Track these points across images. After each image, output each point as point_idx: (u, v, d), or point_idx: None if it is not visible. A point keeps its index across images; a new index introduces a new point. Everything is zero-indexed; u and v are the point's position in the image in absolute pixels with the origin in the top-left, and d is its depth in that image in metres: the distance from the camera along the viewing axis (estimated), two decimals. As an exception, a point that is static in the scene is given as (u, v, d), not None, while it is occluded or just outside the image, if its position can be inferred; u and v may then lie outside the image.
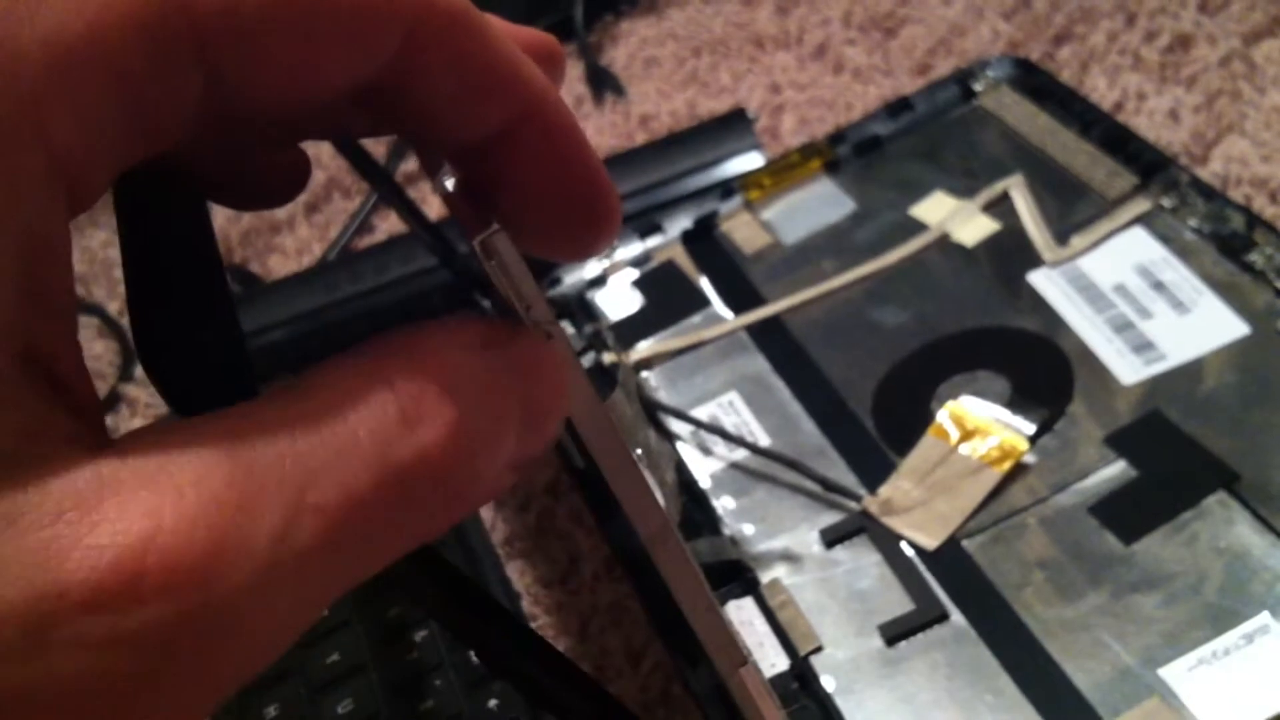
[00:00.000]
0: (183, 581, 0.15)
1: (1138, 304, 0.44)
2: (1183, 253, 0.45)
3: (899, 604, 0.39)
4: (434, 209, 0.59)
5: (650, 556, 0.23)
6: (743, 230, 0.53)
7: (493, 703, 0.40)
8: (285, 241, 0.64)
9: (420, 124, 0.21)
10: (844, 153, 0.54)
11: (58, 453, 0.15)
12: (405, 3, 0.19)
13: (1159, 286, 0.45)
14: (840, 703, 0.37)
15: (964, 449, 0.42)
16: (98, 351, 0.61)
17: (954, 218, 0.50)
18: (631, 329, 0.50)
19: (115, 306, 0.63)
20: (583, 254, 0.23)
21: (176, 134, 0.18)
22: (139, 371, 0.60)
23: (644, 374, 0.48)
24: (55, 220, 0.16)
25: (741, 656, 0.26)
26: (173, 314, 0.20)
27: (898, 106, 0.55)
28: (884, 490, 0.41)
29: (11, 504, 0.15)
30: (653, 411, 0.46)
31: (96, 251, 0.67)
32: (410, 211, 0.46)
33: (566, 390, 0.21)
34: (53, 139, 0.16)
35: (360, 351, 0.19)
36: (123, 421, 0.58)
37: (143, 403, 0.58)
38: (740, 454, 0.44)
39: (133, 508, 0.15)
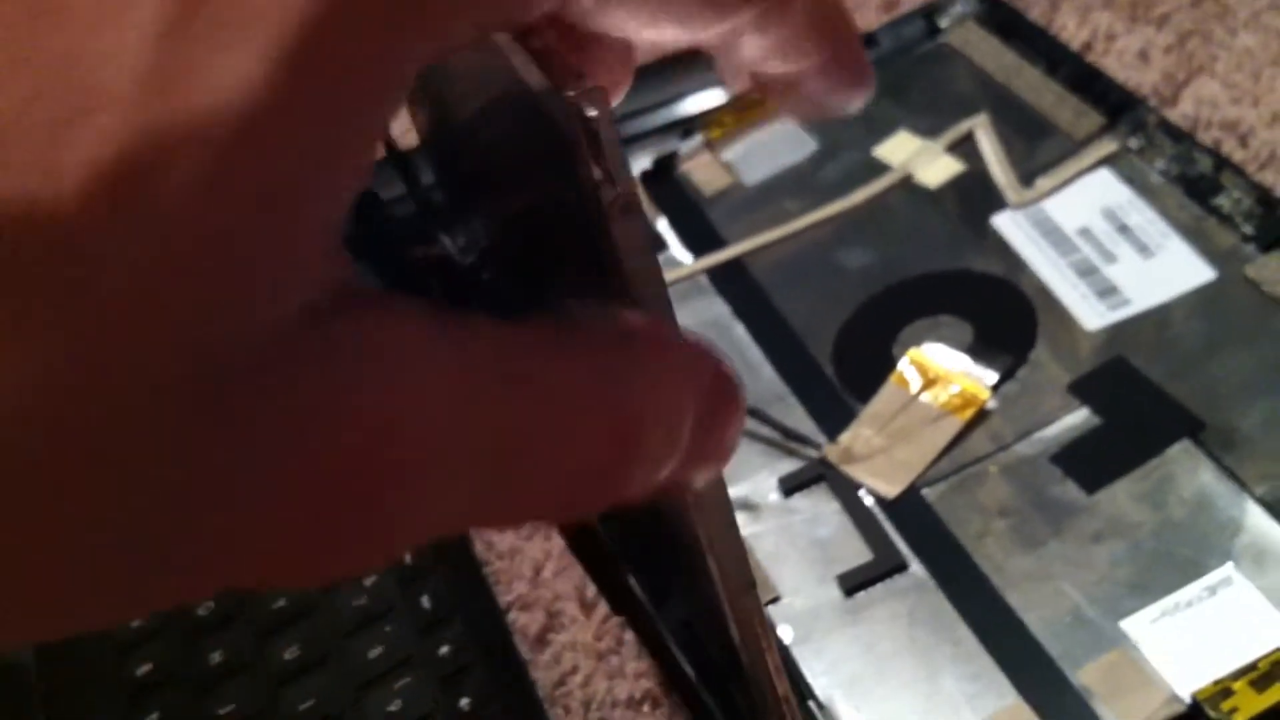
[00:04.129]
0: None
1: (1103, 248, 0.44)
2: (1149, 195, 0.45)
3: (858, 554, 0.38)
4: (399, 131, 0.57)
5: None
6: (703, 170, 0.52)
7: (444, 649, 0.39)
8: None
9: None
10: (807, 90, 0.53)
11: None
12: None
13: (1124, 230, 0.44)
14: (798, 653, 0.36)
15: (925, 397, 0.41)
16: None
17: (918, 158, 0.49)
18: (588, 270, 0.49)
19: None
20: (848, 106, 0.23)
21: None
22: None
23: (601, 316, 0.47)
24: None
25: (751, 577, 0.25)
26: None
27: (862, 42, 0.54)
28: (844, 438, 0.41)
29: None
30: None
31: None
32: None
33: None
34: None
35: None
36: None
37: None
38: (698, 399, 0.43)
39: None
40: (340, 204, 0.14)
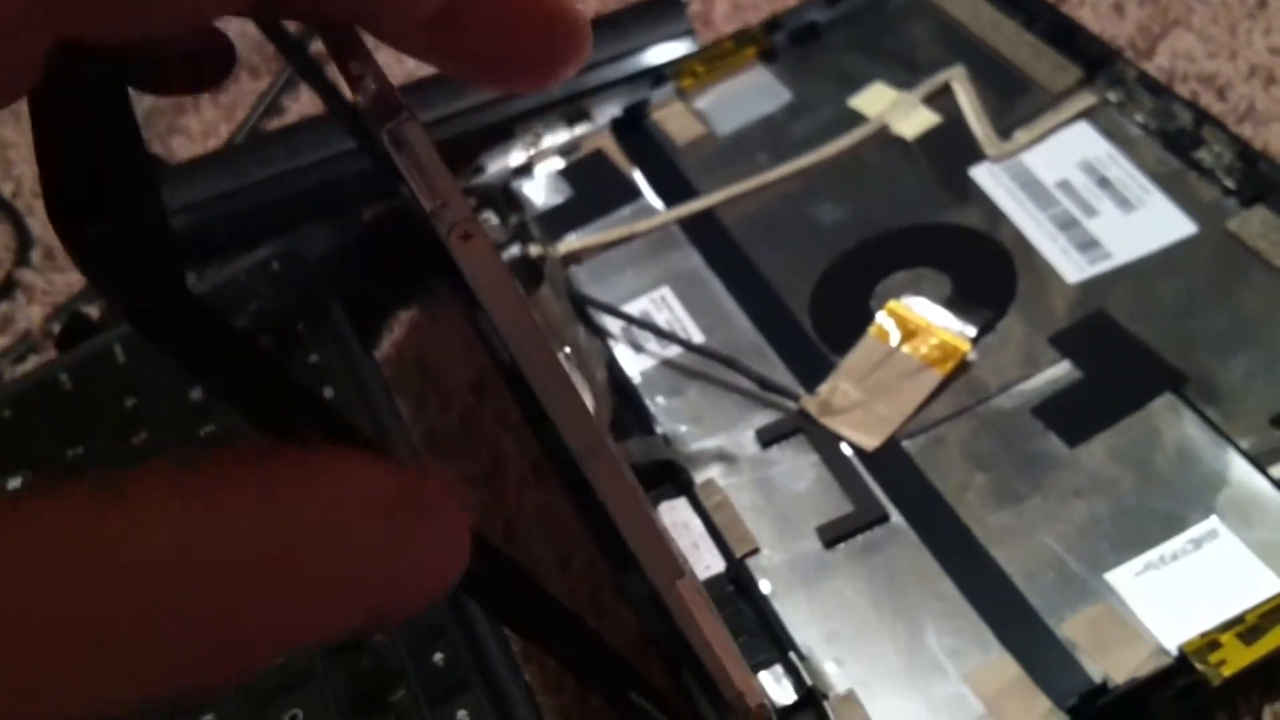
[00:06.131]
0: None
1: (1082, 201, 0.43)
2: (1129, 149, 0.44)
3: (838, 506, 0.38)
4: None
5: (582, 470, 0.22)
6: (675, 120, 0.51)
7: (461, 714, 0.37)
8: (190, 123, 0.60)
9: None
10: (780, 41, 0.52)
11: None
12: None
13: (1104, 183, 0.43)
14: (777, 606, 0.36)
15: (905, 349, 0.40)
16: (-11, 237, 0.58)
17: (894, 110, 0.48)
18: (559, 221, 0.48)
19: (9, 188, 0.60)
20: (551, 80, 0.20)
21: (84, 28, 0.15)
22: (36, 257, 0.56)
23: (572, 268, 0.46)
24: None
25: (678, 568, 0.24)
26: (91, 179, 0.18)
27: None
28: (822, 390, 0.40)
29: None
30: (582, 307, 0.44)
31: (-15, 131, 0.63)
32: (326, 90, 0.43)
33: (460, 565, 0.18)
34: None
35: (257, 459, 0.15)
36: (19, 309, 0.54)
37: (39, 289, 0.55)
38: (673, 351, 0.43)
39: None
40: None
